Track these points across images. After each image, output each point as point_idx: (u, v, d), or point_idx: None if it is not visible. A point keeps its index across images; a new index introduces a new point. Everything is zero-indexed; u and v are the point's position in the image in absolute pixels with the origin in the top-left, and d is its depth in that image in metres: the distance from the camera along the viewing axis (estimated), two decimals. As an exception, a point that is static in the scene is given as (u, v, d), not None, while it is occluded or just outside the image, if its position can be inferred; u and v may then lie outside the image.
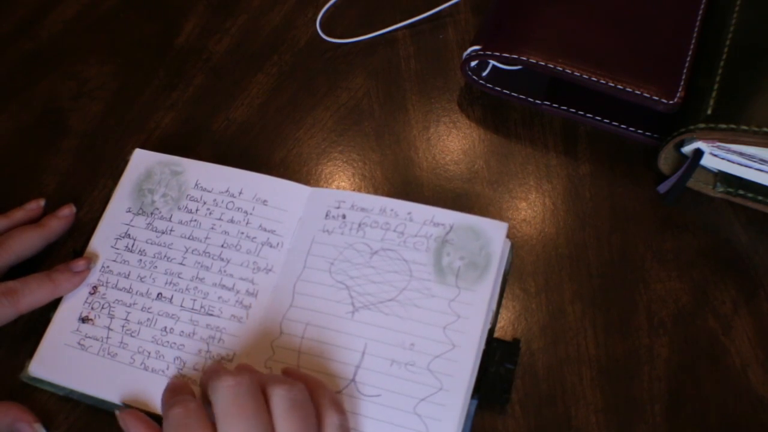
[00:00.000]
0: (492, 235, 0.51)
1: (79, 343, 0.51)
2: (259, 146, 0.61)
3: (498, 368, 0.50)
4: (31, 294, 0.51)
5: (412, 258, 0.52)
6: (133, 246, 0.54)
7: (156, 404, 0.49)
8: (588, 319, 0.54)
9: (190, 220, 0.55)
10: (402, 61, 0.64)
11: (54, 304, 0.53)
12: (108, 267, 0.54)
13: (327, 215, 0.54)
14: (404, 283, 0.51)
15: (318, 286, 0.52)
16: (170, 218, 0.55)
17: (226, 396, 0.43)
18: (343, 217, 0.54)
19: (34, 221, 0.56)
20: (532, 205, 0.58)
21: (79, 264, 0.53)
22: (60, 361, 0.51)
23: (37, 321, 0.53)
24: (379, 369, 0.49)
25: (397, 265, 0.52)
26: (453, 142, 0.61)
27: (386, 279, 0.52)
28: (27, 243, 0.53)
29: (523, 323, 0.54)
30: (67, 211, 0.56)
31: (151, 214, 0.55)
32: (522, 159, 0.60)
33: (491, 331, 0.51)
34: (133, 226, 0.55)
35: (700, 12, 0.58)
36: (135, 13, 0.67)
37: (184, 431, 0.43)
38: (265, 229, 0.54)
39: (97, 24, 0.66)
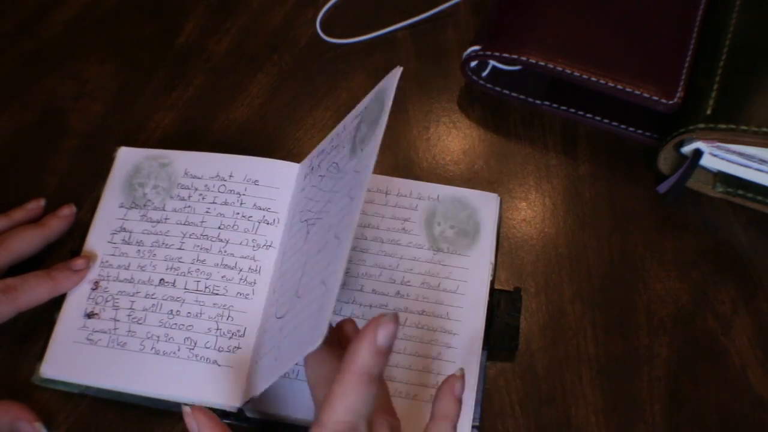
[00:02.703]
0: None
1: (87, 339, 0.51)
2: (259, 146, 0.61)
3: (503, 317, 0.52)
4: (30, 291, 0.51)
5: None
6: (129, 238, 0.55)
7: (169, 387, 0.50)
8: (588, 319, 0.54)
9: (184, 207, 0.55)
10: (402, 61, 0.64)
11: (57, 304, 0.53)
12: (107, 261, 0.54)
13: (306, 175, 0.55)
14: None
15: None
16: (164, 207, 0.55)
17: None
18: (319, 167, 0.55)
19: (34, 221, 0.56)
20: (532, 205, 0.58)
21: (79, 263, 0.53)
22: (71, 359, 0.51)
23: (38, 322, 0.53)
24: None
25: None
26: (453, 142, 0.61)
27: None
28: (27, 242, 0.53)
29: (523, 323, 0.54)
30: (68, 211, 0.56)
31: (144, 206, 0.55)
32: (522, 159, 0.60)
33: (492, 283, 0.53)
34: (127, 219, 0.55)
35: (700, 12, 0.58)
36: (135, 13, 0.67)
37: None
38: (260, 208, 0.55)
39: (97, 24, 0.66)
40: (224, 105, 0.63)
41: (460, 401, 0.44)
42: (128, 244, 0.54)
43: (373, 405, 0.39)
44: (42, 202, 0.57)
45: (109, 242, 0.55)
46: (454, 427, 0.43)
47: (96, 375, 0.50)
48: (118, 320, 0.52)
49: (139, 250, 0.54)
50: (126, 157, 0.58)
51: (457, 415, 0.43)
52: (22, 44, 0.65)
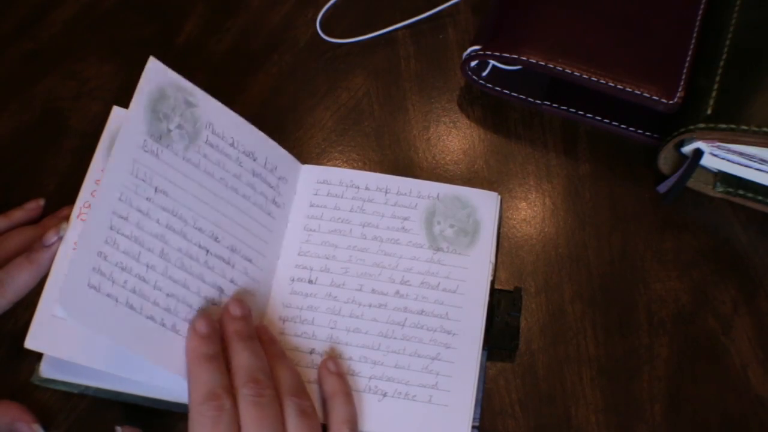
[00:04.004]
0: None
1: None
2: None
3: (503, 317, 0.52)
4: (14, 282, 0.50)
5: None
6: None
7: (164, 375, 0.48)
8: (588, 319, 0.54)
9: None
10: (402, 61, 0.64)
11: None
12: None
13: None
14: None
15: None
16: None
17: (250, 405, 0.46)
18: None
19: (34, 221, 0.56)
20: (532, 205, 0.58)
21: (50, 237, 0.51)
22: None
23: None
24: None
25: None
26: (453, 142, 0.61)
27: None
28: (21, 285, 0.51)
29: (523, 323, 0.54)
30: (55, 237, 0.51)
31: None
32: (522, 159, 0.60)
33: (492, 282, 0.53)
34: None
35: (700, 12, 0.58)
36: (135, 13, 0.67)
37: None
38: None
39: (97, 24, 0.66)
40: (224, 105, 0.62)
41: (339, 375, 0.50)
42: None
43: (222, 377, 0.46)
44: (41, 202, 0.57)
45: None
46: (348, 398, 0.49)
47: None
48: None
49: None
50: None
51: (344, 388, 0.49)
52: (22, 44, 0.65)
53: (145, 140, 0.49)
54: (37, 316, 0.49)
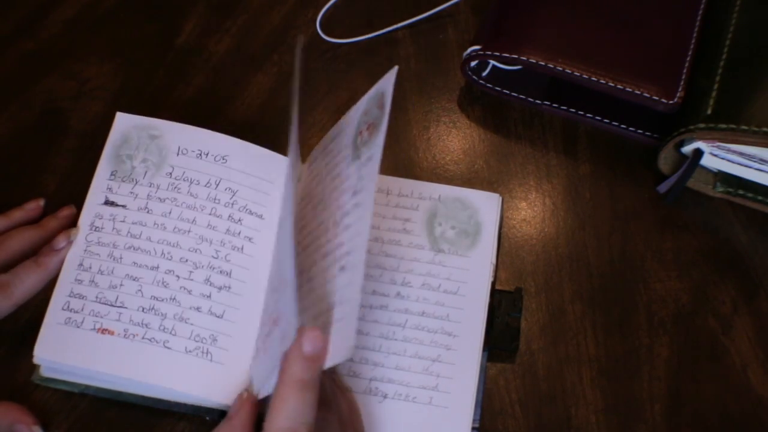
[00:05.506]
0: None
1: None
2: (259, 146, 0.61)
3: (504, 318, 0.52)
4: (22, 284, 0.50)
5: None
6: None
7: (155, 377, 0.48)
8: (588, 319, 0.54)
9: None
10: (402, 61, 0.64)
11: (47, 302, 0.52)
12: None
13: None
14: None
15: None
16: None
17: None
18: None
19: (34, 221, 0.56)
20: (532, 205, 0.58)
21: (60, 241, 0.52)
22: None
23: (38, 321, 0.53)
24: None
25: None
26: (453, 142, 0.61)
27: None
28: (29, 287, 0.51)
29: (523, 323, 0.54)
30: (64, 242, 0.53)
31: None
32: (522, 159, 0.60)
33: (493, 283, 0.53)
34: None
35: (700, 12, 0.58)
36: (135, 13, 0.67)
37: None
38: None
39: (97, 24, 0.66)
40: (224, 105, 0.63)
41: (311, 360, 0.42)
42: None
43: (312, 410, 0.41)
44: (41, 203, 0.57)
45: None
46: (308, 389, 0.42)
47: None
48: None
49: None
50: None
51: (306, 377, 0.42)
52: (22, 44, 0.65)
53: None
54: (44, 325, 0.50)
